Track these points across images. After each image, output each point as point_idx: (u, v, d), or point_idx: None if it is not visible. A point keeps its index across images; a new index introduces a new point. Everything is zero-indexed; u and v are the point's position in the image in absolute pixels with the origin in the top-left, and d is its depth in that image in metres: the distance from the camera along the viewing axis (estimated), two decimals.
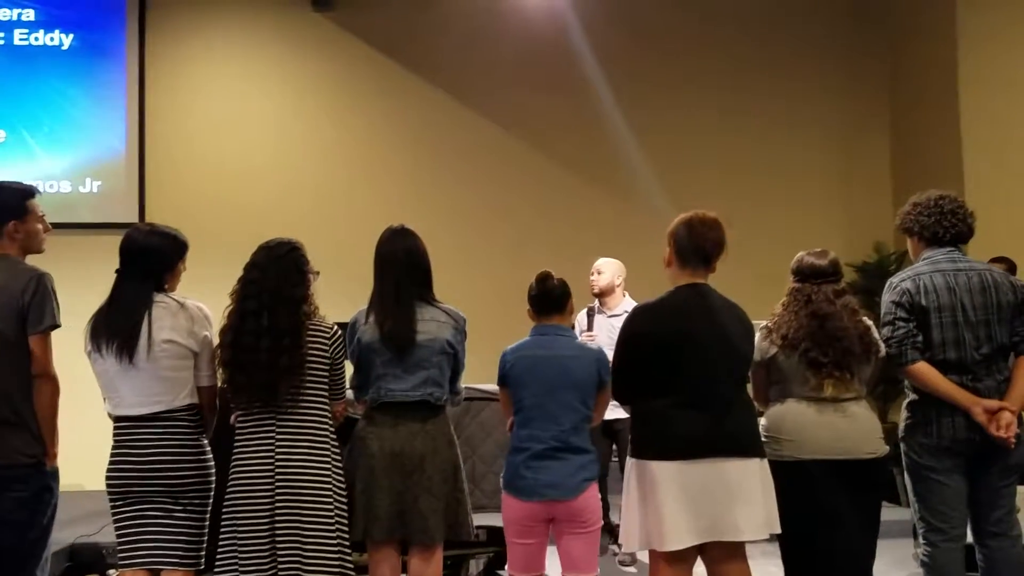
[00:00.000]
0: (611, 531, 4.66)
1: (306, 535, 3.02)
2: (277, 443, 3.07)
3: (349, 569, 3.10)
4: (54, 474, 3.22)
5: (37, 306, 3.13)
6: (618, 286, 5.05)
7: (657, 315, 3.16)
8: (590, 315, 5.08)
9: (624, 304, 4.98)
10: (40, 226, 3.33)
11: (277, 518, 3.02)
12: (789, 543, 3.24)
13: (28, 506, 3.13)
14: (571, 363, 3.25)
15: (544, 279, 3.37)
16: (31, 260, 3.31)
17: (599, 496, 3.30)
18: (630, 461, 3.14)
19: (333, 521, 3.06)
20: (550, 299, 3.35)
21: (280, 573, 3.02)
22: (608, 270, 5.03)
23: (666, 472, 2.99)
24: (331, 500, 3.07)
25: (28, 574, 3.17)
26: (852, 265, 7.59)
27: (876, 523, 3.27)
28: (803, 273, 3.37)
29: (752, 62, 8.17)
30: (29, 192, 3.33)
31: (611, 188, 7.96)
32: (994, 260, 5.13)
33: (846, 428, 3.21)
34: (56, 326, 3.19)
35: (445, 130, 8.06)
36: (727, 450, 3.00)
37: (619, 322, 4.75)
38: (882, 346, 3.31)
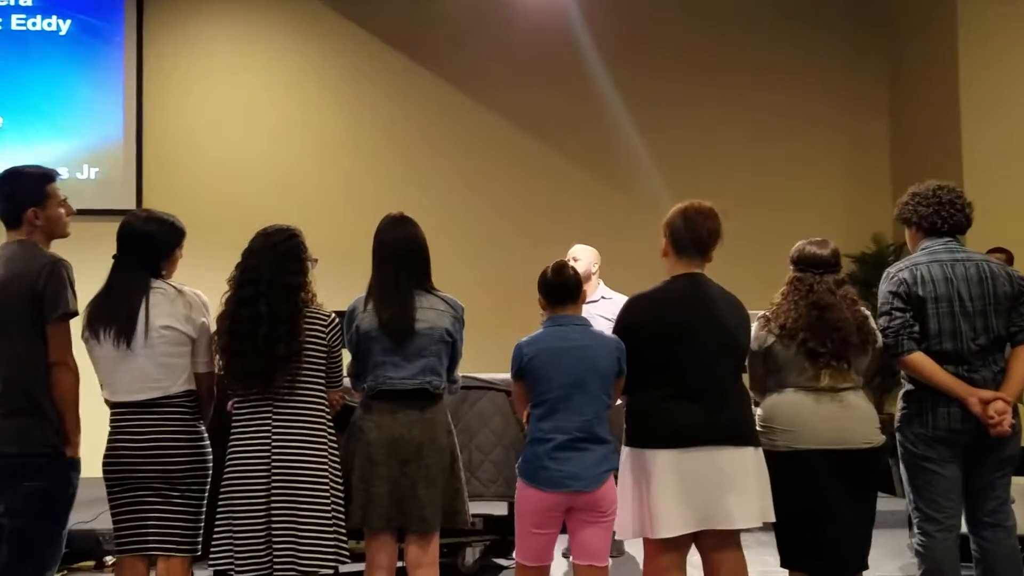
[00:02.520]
0: None
1: (302, 522, 3.03)
2: (273, 430, 3.07)
3: (345, 556, 3.10)
4: (74, 464, 3.14)
5: (51, 293, 3.06)
6: (594, 273, 4.95)
7: (653, 305, 3.16)
8: None
9: (600, 291, 4.92)
10: (62, 210, 3.27)
11: (273, 505, 3.03)
12: (785, 533, 3.25)
13: (44, 496, 3.08)
14: (594, 352, 3.20)
15: (561, 268, 3.29)
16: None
17: (615, 486, 3.29)
18: (625, 450, 3.15)
19: (329, 508, 3.07)
20: (566, 289, 3.29)
21: (276, 560, 3.02)
22: (584, 257, 4.91)
23: (660, 461, 3.00)
24: (327, 487, 3.08)
25: (39, 563, 3.14)
26: (850, 256, 7.58)
27: (872, 513, 3.27)
28: (804, 263, 3.36)
29: (753, 54, 8.15)
30: (49, 176, 3.26)
31: (611, 179, 7.95)
32: (992, 251, 5.14)
33: (844, 417, 3.22)
34: (72, 314, 3.11)
35: (445, 120, 8.04)
36: (721, 439, 3.01)
37: (596, 308, 4.78)
38: (879, 336, 3.32)
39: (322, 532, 3.04)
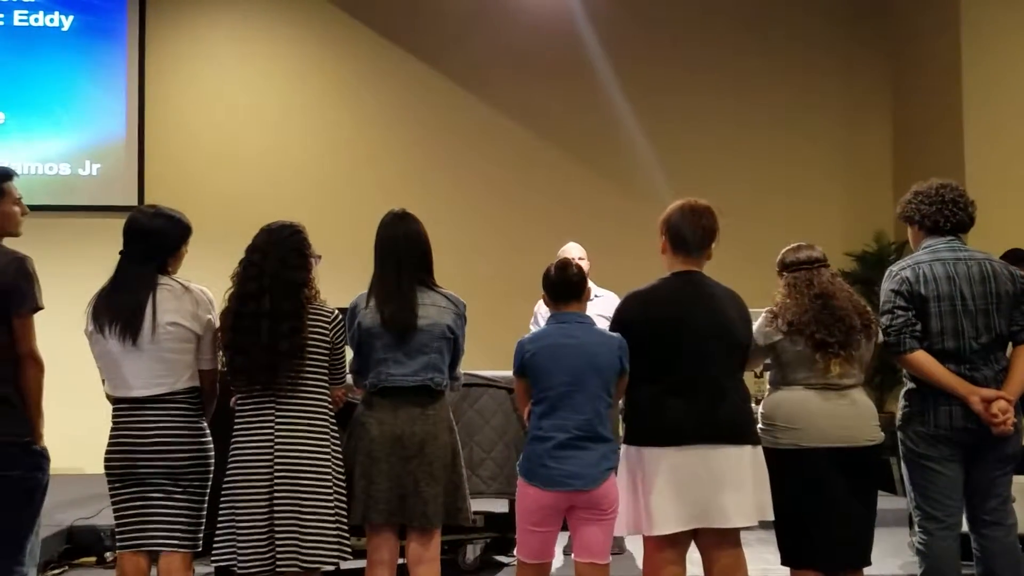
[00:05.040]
0: None
1: (305, 518, 3.03)
2: (276, 426, 3.07)
3: (347, 553, 3.10)
4: (44, 453, 3.19)
5: (21, 288, 3.10)
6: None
7: (649, 302, 3.17)
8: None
9: (592, 289, 4.90)
10: (17, 208, 3.29)
11: (276, 501, 3.03)
12: (787, 530, 3.25)
13: (21, 487, 3.12)
14: (597, 350, 3.20)
15: (564, 267, 3.30)
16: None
17: (616, 484, 3.29)
18: (623, 447, 3.16)
19: (332, 505, 3.07)
20: (570, 287, 3.30)
21: (278, 556, 3.02)
22: (585, 255, 4.87)
23: (656, 458, 3.01)
24: (330, 484, 3.08)
25: (20, 554, 3.15)
26: (852, 255, 7.59)
27: (873, 509, 3.28)
28: (793, 265, 3.36)
29: (754, 51, 8.15)
30: (5, 175, 3.29)
31: (612, 175, 7.95)
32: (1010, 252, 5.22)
33: (849, 415, 3.22)
34: (39, 308, 3.16)
35: (446, 114, 8.05)
36: (717, 437, 3.01)
37: (592, 308, 4.71)
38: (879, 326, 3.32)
39: (325, 528, 3.04)
